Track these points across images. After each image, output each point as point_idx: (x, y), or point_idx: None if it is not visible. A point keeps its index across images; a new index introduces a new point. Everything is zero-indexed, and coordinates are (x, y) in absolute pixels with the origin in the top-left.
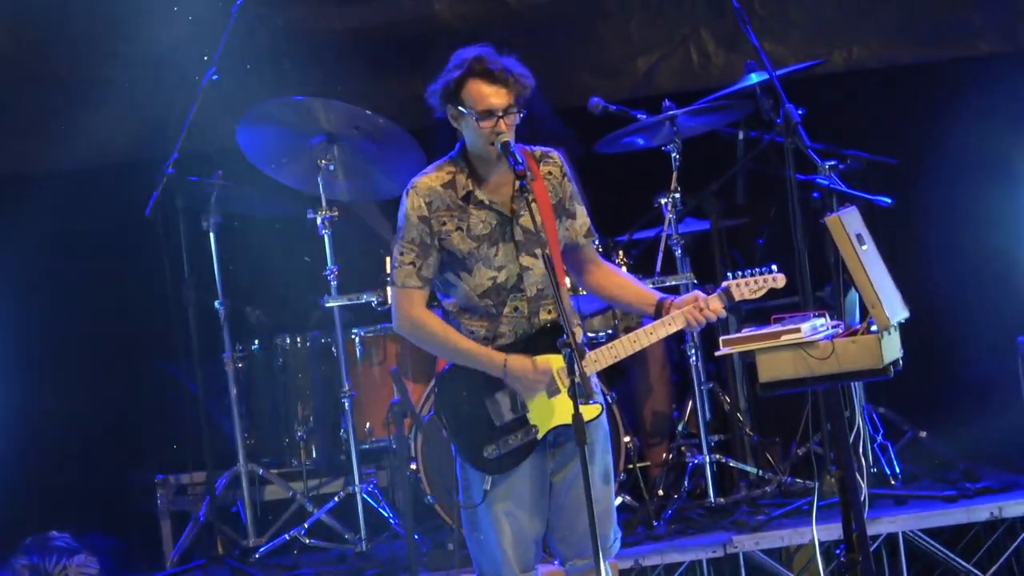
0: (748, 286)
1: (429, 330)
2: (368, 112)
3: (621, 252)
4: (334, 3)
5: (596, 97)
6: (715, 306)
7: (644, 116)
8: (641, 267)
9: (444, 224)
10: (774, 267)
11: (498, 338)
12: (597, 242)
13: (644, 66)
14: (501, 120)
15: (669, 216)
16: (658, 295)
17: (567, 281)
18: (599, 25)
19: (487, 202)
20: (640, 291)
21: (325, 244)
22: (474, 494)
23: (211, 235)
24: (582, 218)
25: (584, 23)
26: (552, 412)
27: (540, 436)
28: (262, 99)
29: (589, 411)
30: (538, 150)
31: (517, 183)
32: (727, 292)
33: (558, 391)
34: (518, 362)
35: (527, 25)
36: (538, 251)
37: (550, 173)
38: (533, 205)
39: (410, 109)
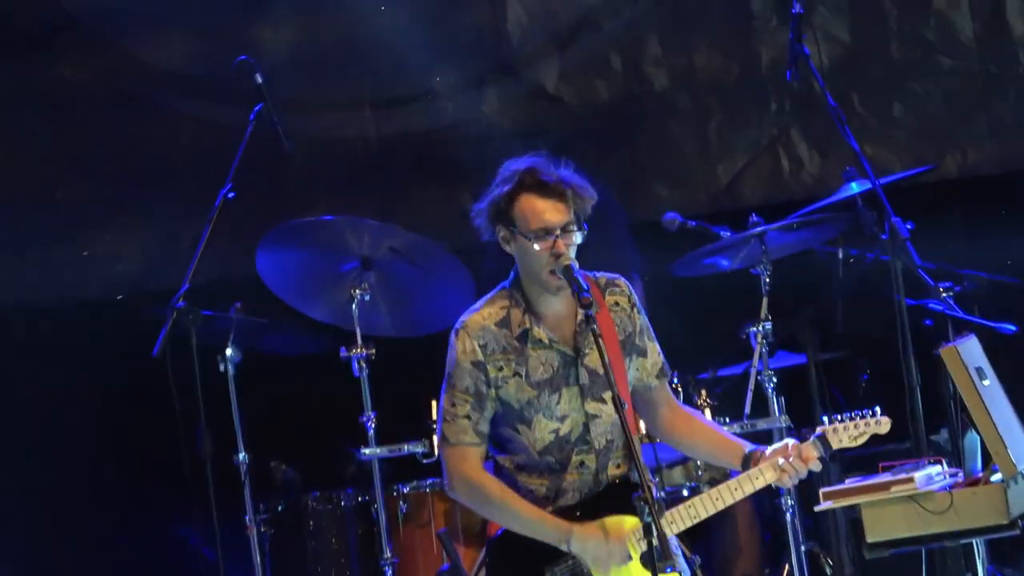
0: (847, 432)
1: (487, 494)
2: (407, 232)
3: (703, 392)
4: (368, 107)
5: (672, 212)
6: (809, 456)
7: (728, 233)
8: (727, 409)
9: (500, 370)
10: (877, 410)
11: (560, 497)
12: (675, 381)
13: (726, 174)
14: (559, 240)
15: (758, 349)
16: (746, 446)
17: (640, 427)
18: (673, 126)
19: (547, 340)
20: (725, 440)
21: (362, 387)
22: None
23: (229, 377)
24: (654, 356)
25: (655, 124)
26: None
27: None
28: (285, 219)
29: None
30: (602, 277)
31: (581, 314)
32: (823, 439)
33: (629, 557)
34: (589, 532)
35: (589, 127)
36: (606, 395)
37: (617, 304)
38: (600, 340)
39: (457, 226)
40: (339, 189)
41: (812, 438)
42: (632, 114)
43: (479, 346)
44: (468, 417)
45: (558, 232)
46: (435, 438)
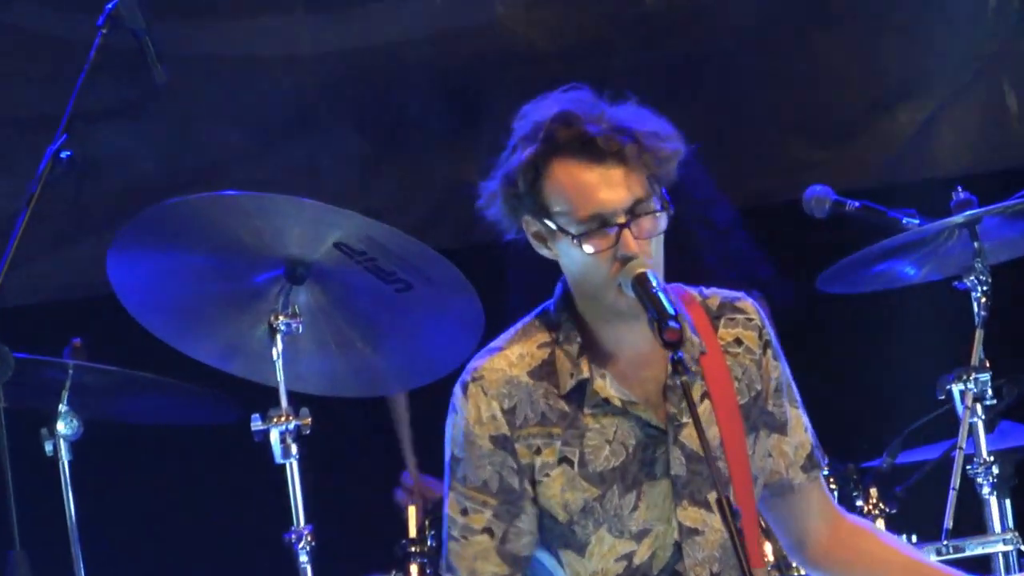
0: None
1: None
2: (368, 219)
3: (872, 492)
4: (301, 8)
5: (819, 186)
6: None
7: (915, 220)
8: (913, 520)
9: (537, 452)
10: None
11: None
12: (826, 472)
13: (909, 122)
14: (626, 232)
15: (966, 418)
16: None
17: (765, 552)
18: (819, 41)
19: (618, 401)
20: (921, 568)
21: (289, 481)
22: None
23: (62, 464)
24: (799, 433)
25: (787, 38)
26: None
27: None
28: (157, 199)
29: None
30: (714, 295)
31: (669, 358)
32: None
33: None
34: None
35: (669, 43)
36: (714, 494)
37: (738, 342)
38: (705, 402)
39: (452, 211)
40: (249, 146)
41: None
42: (743, 22)
43: (501, 410)
44: (489, 531)
45: (623, 218)
46: (412, 570)
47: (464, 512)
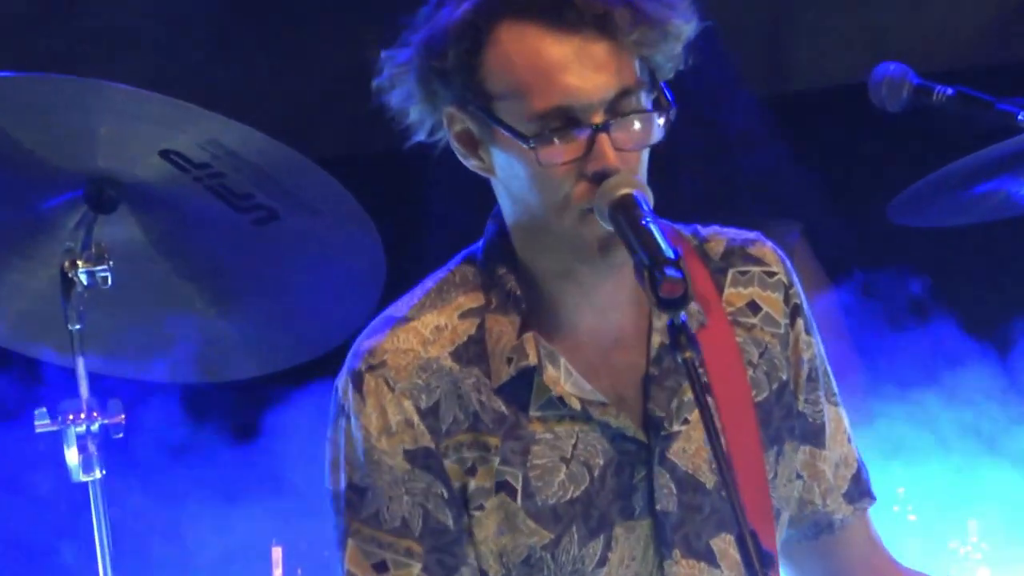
0: None
1: None
2: (216, 116)
3: (972, 524)
4: None
5: (893, 63)
6: None
7: None
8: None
9: (471, 472)
10: None
11: None
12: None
13: None
14: (603, 136)
15: None
16: None
17: None
18: None
19: (576, 402)
20: None
21: (93, 508)
22: None
23: None
24: (841, 445)
25: None
26: None
27: None
28: None
29: None
30: (717, 236)
31: (660, 324)
32: None
33: None
34: None
35: None
36: (720, 541)
37: (753, 307)
38: (706, 399)
39: (342, 112)
40: (39, 10)
41: None
42: None
43: (419, 412)
44: None
45: (600, 116)
46: None
47: (382, 568)
